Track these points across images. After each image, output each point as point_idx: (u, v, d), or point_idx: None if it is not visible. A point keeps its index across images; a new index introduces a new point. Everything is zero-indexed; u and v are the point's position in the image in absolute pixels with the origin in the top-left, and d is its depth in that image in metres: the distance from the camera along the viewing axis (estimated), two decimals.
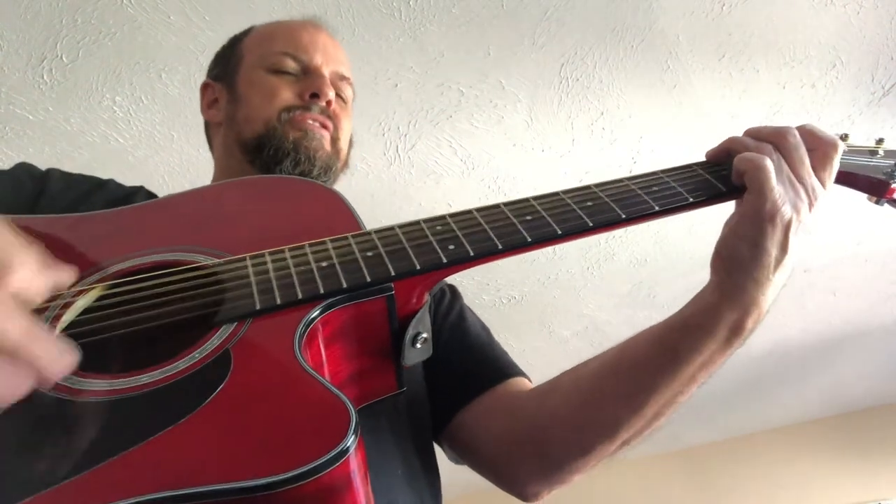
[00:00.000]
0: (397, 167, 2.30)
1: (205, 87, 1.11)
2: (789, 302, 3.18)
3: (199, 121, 2.12)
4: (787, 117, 2.28)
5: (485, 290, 2.91)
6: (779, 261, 0.69)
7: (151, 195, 0.95)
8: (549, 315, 3.13)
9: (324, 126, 0.98)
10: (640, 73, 2.08)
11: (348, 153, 1.06)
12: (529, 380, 0.92)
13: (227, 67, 1.07)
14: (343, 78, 1.04)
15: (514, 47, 1.96)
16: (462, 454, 0.90)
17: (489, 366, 0.92)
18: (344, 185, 2.44)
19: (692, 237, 2.64)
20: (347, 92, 1.05)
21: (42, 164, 2.16)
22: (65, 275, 0.54)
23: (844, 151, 0.80)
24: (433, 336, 0.91)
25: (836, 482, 3.96)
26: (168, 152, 2.11)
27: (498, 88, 2.07)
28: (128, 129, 2.02)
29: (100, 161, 2.08)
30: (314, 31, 1.06)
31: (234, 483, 0.45)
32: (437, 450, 0.92)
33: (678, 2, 1.89)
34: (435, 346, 0.89)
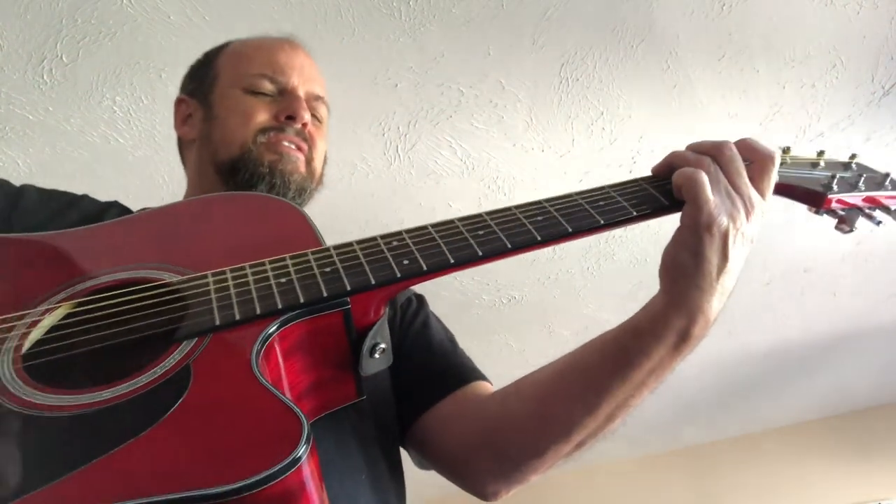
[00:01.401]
0: (397, 167, 2.30)
1: (179, 103, 1.11)
2: (789, 302, 3.18)
3: None
4: (787, 117, 2.28)
5: (485, 290, 2.91)
6: (720, 269, 0.71)
7: (126, 210, 0.96)
8: (549, 315, 3.13)
9: (299, 148, 1.00)
10: (640, 72, 2.08)
11: (322, 171, 1.08)
12: (491, 384, 0.95)
13: (202, 84, 1.07)
14: (318, 98, 1.06)
15: (514, 47, 1.96)
16: (426, 456, 0.93)
17: (451, 370, 0.95)
18: (344, 185, 2.44)
19: None
20: (322, 112, 1.07)
21: (42, 164, 2.16)
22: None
23: (786, 164, 0.84)
24: (398, 342, 0.95)
25: (836, 482, 3.96)
26: (168, 152, 2.11)
27: (498, 88, 2.07)
28: (128, 129, 2.02)
29: (100, 161, 2.08)
30: (291, 51, 1.07)
31: (188, 492, 0.47)
32: (404, 455, 0.95)
33: (678, 2, 1.89)
34: (399, 352, 0.93)
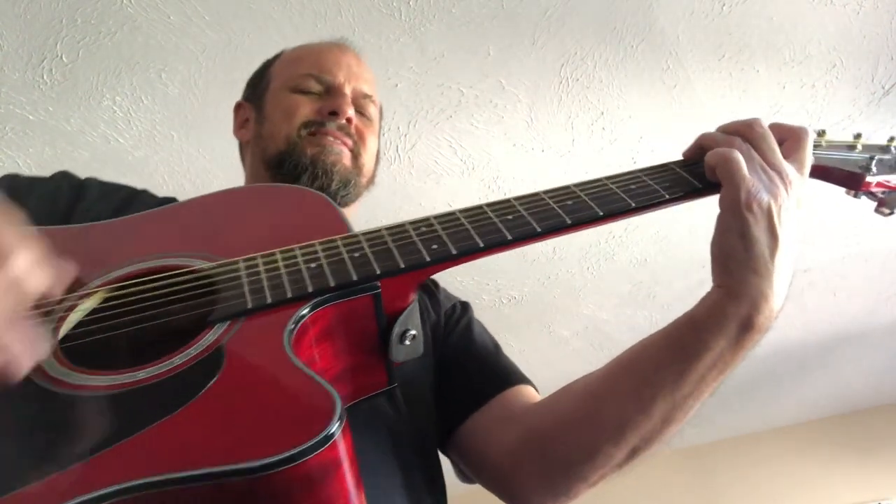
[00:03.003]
0: (397, 167, 2.30)
1: (237, 108, 1.15)
2: (789, 302, 3.17)
3: (200, 120, 2.12)
4: (787, 117, 2.28)
5: (485, 290, 2.90)
6: (772, 248, 0.68)
7: None
8: (549, 315, 3.13)
9: (343, 142, 1.00)
10: (640, 73, 2.08)
11: (375, 169, 1.10)
12: (536, 389, 0.92)
13: (256, 89, 1.11)
14: (366, 96, 1.07)
15: (514, 47, 1.96)
16: (468, 465, 0.90)
17: (494, 374, 0.92)
18: None
19: (692, 237, 2.64)
20: (371, 110, 1.07)
21: (42, 164, 2.16)
22: (66, 271, 0.55)
23: (821, 147, 0.82)
24: (441, 348, 0.93)
25: (836, 482, 3.96)
26: (168, 152, 2.11)
27: (498, 88, 2.07)
28: (128, 129, 2.02)
29: (100, 161, 2.08)
30: (339, 52, 1.09)
31: (221, 467, 0.48)
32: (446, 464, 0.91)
33: (678, 2, 1.89)
34: (442, 357, 0.92)
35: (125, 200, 0.92)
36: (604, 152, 2.33)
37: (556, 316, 3.14)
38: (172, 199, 0.97)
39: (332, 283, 0.64)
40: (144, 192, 0.97)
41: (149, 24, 1.77)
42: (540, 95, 2.11)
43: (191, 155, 2.13)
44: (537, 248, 2.72)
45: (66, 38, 1.77)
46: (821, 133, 0.84)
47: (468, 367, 0.93)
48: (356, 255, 0.68)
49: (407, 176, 2.33)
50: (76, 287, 0.66)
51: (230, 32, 1.82)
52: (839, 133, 0.86)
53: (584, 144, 2.30)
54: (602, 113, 2.20)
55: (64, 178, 0.93)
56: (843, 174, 0.82)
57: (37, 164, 2.05)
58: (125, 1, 1.71)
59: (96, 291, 0.66)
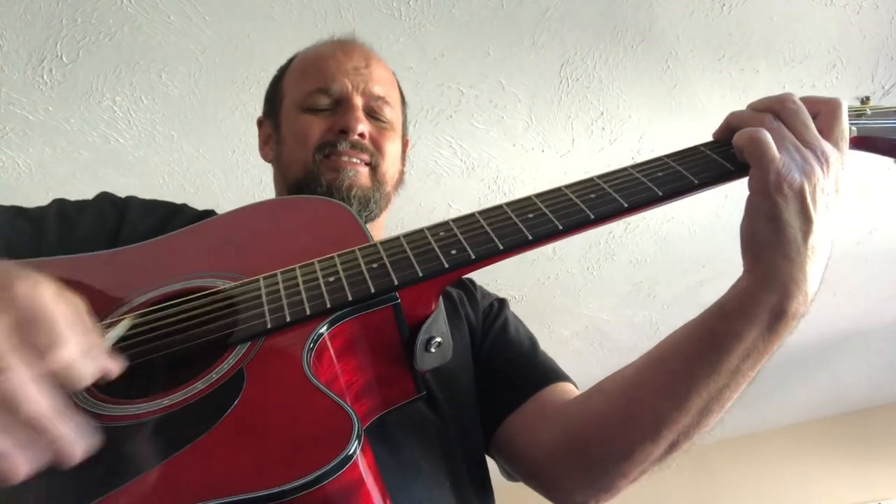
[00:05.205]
0: None
1: (259, 124, 1.13)
2: None
3: (200, 121, 2.12)
4: None
5: None
6: (805, 231, 0.65)
7: None
8: (549, 315, 3.13)
9: (360, 159, 0.98)
10: (640, 73, 2.08)
11: (402, 168, 1.08)
12: (576, 385, 0.91)
13: (273, 105, 1.09)
14: (378, 98, 1.02)
15: (514, 47, 1.96)
16: (510, 464, 0.90)
17: (531, 372, 0.91)
18: None
19: (693, 237, 2.64)
20: (386, 112, 1.03)
21: (42, 164, 2.17)
22: (114, 366, 0.52)
23: (866, 115, 0.78)
24: (478, 348, 0.94)
25: (836, 482, 3.96)
26: (168, 152, 2.11)
27: (498, 88, 2.07)
28: (128, 129, 2.02)
29: (100, 161, 2.08)
30: (343, 56, 1.04)
31: (244, 494, 0.48)
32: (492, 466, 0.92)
33: (678, 2, 1.89)
34: (480, 357, 0.92)
35: (166, 216, 0.93)
36: (604, 152, 2.33)
37: (556, 316, 3.14)
38: (211, 212, 0.97)
39: (351, 298, 0.64)
40: (184, 206, 0.98)
41: (149, 24, 1.77)
42: (540, 95, 2.11)
43: (191, 155, 2.13)
44: (537, 248, 2.72)
45: (66, 38, 1.77)
46: (864, 100, 0.79)
47: (504, 367, 0.92)
48: (374, 265, 0.67)
49: (407, 176, 2.32)
50: (107, 313, 0.67)
51: (230, 32, 1.82)
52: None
53: (584, 144, 2.30)
54: (602, 113, 2.20)
55: (107, 198, 0.94)
56: (891, 144, 0.76)
57: (37, 163, 2.05)
58: (125, 1, 1.71)
59: (122, 319, 0.67)
